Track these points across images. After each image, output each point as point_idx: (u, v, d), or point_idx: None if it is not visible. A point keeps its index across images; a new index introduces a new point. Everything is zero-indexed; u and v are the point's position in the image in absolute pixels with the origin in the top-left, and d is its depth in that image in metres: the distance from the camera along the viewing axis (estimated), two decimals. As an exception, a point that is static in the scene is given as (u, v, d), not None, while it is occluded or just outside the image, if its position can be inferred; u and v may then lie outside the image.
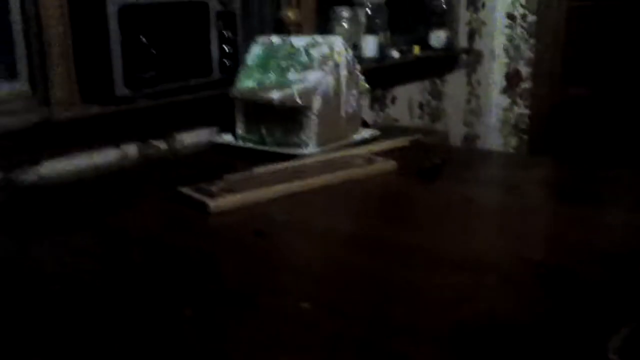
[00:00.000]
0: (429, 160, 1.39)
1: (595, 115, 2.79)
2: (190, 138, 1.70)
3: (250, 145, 1.60)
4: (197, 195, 1.19)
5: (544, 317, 0.79)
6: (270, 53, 1.65)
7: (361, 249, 1.03)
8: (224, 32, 1.68)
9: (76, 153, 1.47)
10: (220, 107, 1.67)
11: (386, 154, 1.50)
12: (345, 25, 2.10)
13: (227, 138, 1.66)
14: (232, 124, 1.64)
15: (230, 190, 1.21)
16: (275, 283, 0.93)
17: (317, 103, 1.51)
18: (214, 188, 1.22)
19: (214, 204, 1.16)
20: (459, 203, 1.24)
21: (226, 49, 1.69)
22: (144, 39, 1.48)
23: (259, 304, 0.85)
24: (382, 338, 0.75)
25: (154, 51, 1.50)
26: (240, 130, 1.63)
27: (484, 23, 2.86)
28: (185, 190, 1.23)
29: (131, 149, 1.58)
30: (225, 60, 1.69)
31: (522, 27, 2.92)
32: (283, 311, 0.83)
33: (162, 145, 1.65)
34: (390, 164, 1.40)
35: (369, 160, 1.42)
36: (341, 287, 0.90)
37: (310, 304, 0.83)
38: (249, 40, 1.73)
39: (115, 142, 1.55)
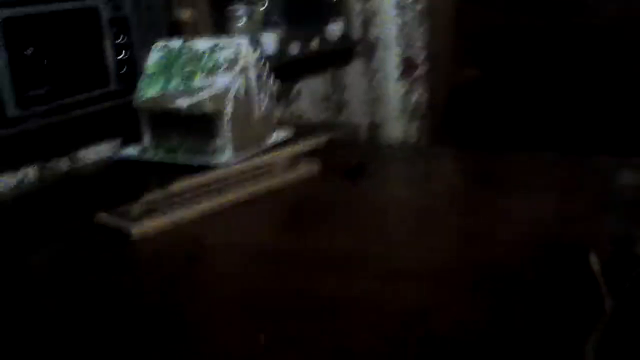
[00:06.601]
0: (351, 160, 1.35)
1: (489, 96, 2.87)
2: (94, 154, 1.58)
3: (160, 157, 1.50)
4: (116, 222, 1.10)
5: (511, 323, 0.77)
6: (171, 58, 1.55)
7: (300, 266, 0.96)
8: (118, 39, 1.57)
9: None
10: (123, 119, 1.56)
11: (306, 155, 1.45)
12: (242, 23, 2.03)
13: (134, 152, 1.55)
14: (137, 136, 1.54)
15: (150, 212, 1.13)
16: (217, 316, 0.86)
17: (229, 107, 1.44)
18: (133, 212, 1.13)
19: (136, 230, 1.07)
20: (388, 204, 1.21)
21: (122, 56, 1.58)
22: (32, 53, 1.35)
23: (208, 344, 0.78)
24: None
25: (44, 65, 1.38)
26: (148, 143, 1.53)
27: (374, 12, 2.86)
28: (102, 217, 1.13)
29: (30, 173, 1.45)
30: (123, 69, 1.58)
31: (412, 13, 2.94)
32: (237, 349, 0.76)
33: (64, 164, 1.52)
34: (312, 168, 1.35)
35: (291, 166, 1.36)
36: (293, 314, 0.84)
37: (264, 337, 0.77)
38: (144, 46, 1.62)
39: (12, 167, 1.41)
